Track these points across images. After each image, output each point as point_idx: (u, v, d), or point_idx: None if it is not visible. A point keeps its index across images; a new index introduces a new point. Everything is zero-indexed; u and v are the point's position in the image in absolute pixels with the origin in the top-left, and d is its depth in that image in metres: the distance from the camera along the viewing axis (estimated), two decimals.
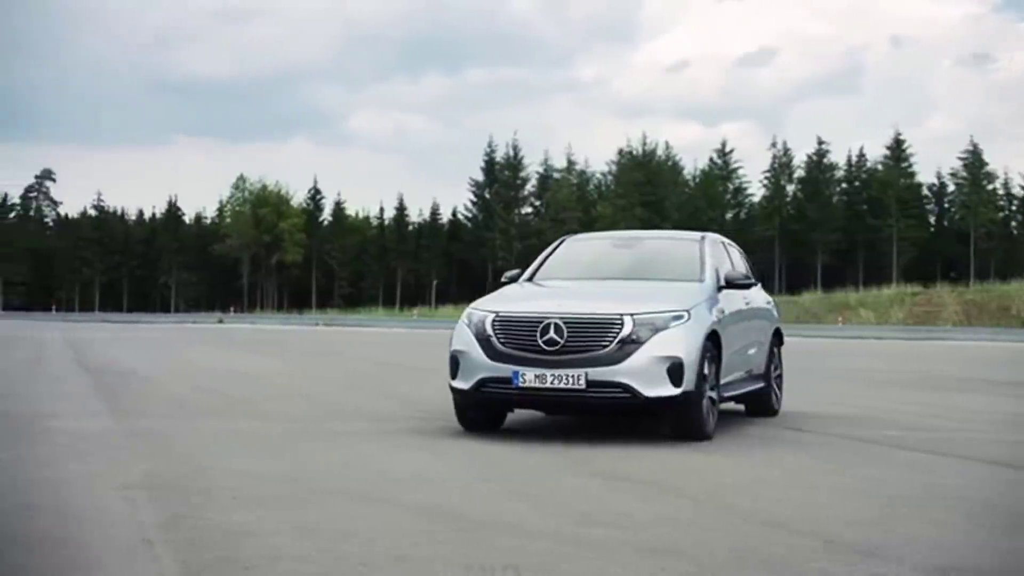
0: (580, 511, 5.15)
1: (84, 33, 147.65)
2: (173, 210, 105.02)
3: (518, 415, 9.05)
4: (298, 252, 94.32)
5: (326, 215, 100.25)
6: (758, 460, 7.16)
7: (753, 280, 9.41)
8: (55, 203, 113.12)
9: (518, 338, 7.69)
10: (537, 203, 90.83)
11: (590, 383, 7.46)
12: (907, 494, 5.80)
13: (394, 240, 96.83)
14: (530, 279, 9.06)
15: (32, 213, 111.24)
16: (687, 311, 7.78)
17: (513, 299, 8.27)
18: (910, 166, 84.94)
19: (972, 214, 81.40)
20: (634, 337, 7.53)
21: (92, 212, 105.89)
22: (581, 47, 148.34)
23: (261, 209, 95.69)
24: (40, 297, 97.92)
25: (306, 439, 7.84)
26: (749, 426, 9.10)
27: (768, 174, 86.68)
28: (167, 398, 11.11)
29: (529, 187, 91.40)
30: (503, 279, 9.20)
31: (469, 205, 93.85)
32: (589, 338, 7.56)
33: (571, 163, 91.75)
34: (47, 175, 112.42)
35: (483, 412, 8.24)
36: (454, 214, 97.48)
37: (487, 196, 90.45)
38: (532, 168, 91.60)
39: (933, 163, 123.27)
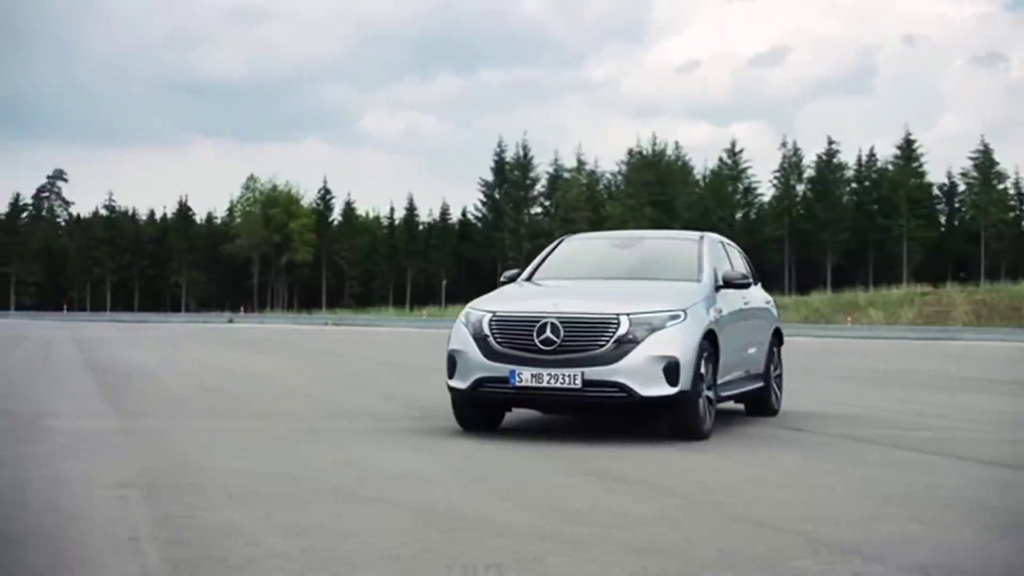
0: (569, 510, 5.17)
1: (97, 34, 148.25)
2: (184, 210, 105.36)
3: (517, 414, 9.09)
4: (308, 252, 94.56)
5: (336, 215, 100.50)
6: (753, 459, 7.16)
7: (751, 280, 9.42)
8: (67, 203, 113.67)
9: (515, 338, 7.71)
10: (547, 203, 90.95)
11: (586, 382, 7.48)
12: (899, 494, 5.79)
13: (404, 240, 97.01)
14: (529, 279, 9.09)
15: (44, 213, 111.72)
16: (683, 311, 7.80)
17: (510, 299, 8.30)
18: (920, 166, 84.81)
19: (983, 214, 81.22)
20: (630, 337, 7.54)
21: (104, 212, 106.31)
22: (593, 47, 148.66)
23: (271, 209, 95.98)
24: (52, 297, 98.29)
25: (304, 438, 7.87)
26: (748, 425, 9.11)
27: (778, 174, 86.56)
28: (170, 397, 11.16)
29: (539, 187, 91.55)
30: (502, 279, 9.24)
31: (479, 205, 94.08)
32: (585, 338, 7.58)
33: (581, 163, 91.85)
34: (59, 175, 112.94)
35: (480, 411, 8.27)
36: (464, 214, 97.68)
37: (497, 196, 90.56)
38: (542, 168, 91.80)
39: (945, 163, 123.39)
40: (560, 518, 4.95)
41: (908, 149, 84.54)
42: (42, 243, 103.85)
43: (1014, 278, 64.95)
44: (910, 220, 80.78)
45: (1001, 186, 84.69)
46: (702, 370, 7.82)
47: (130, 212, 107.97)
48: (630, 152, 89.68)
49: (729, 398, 8.97)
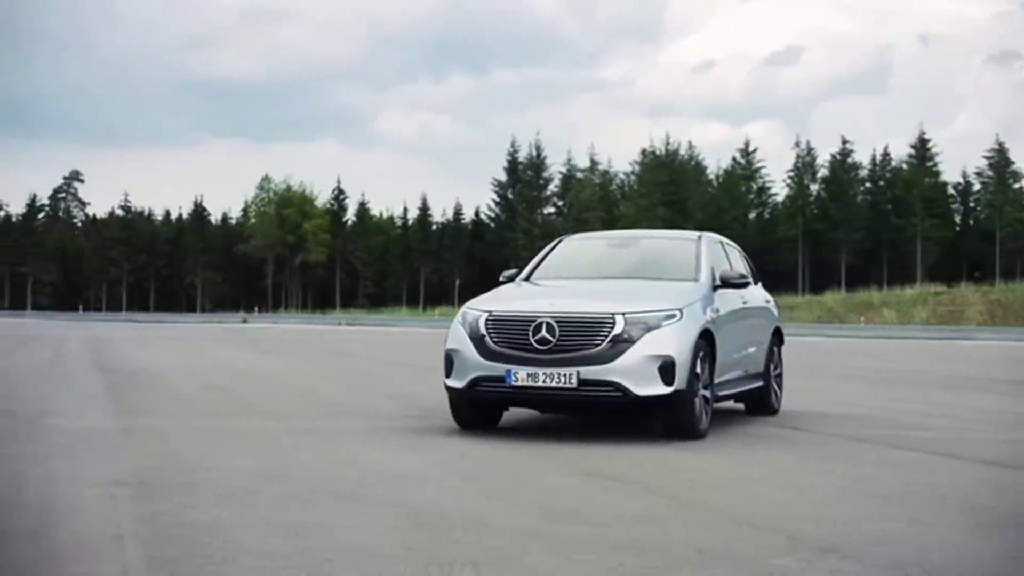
0: (557, 509, 5.19)
1: (112, 36, 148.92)
2: (199, 210, 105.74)
3: (515, 414, 9.11)
4: (322, 252, 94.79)
5: (350, 215, 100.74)
6: (748, 459, 7.17)
7: (749, 279, 9.42)
8: (83, 204, 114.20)
9: (511, 337, 7.74)
10: (560, 203, 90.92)
11: (582, 382, 7.50)
12: (892, 493, 5.80)
13: (417, 240, 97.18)
14: (527, 278, 9.12)
15: (61, 214, 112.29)
16: (679, 310, 7.81)
17: (507, 299, 8.32)
18: (935, 165, 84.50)
19: (997, 213, 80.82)
20: (626, 336, 7.56)
21: (119, 212, 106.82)
22: (607, 47, 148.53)
23: (285, 209, 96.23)
24: (68, 297, 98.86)
25: (301, 438, 7.90)
26: (746, 425, 9.11)
27: (791, 173, 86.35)
28: (174, 397, 11.21)
29: (552, 187, 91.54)
30: (501, 279, 9.27)
31: (492, 205, 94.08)
32: (581, 337, 7.60)
33: (594, 163, 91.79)
34: (75, 176, 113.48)
35: (477, 411, 8.30)
36: (477, 214, 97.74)
37: (510, 196, 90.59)
38: (555, 168, 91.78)
39: (960, 162, 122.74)
40: (547, 517, 4.98)
41: (922, 148, 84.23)
42: (58, 243, 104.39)
43: None
44: (924, 220, 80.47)
45: (1016, 185, 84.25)
46: (698, 369, 7.82)
47: (146, 213, 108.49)
48: (643, 152, 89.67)
49: (727, 397, 8.98)
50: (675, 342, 7.65)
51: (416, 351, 24.51)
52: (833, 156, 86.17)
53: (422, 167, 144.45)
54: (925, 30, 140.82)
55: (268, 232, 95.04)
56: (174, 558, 4.02)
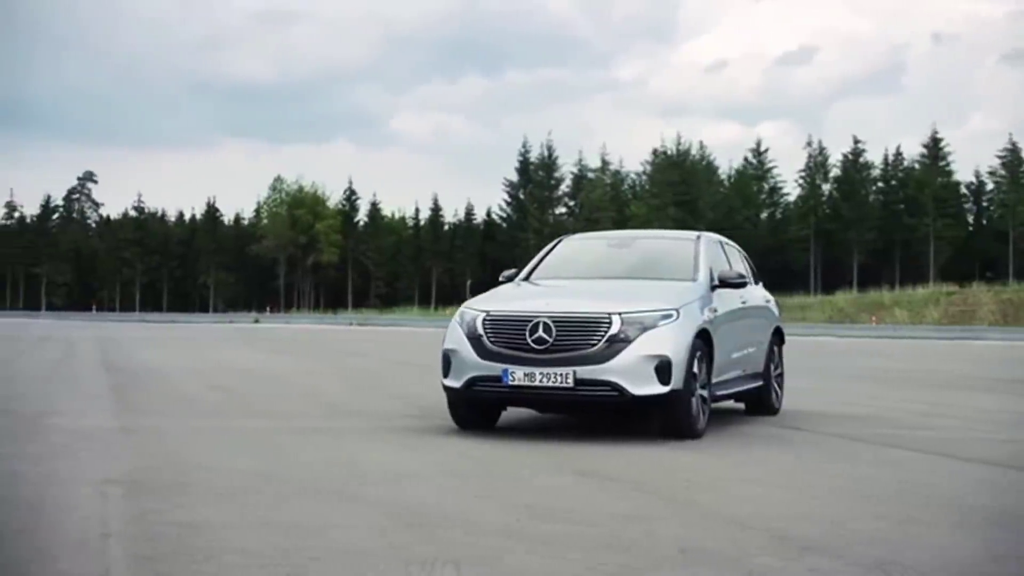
0: (546, 508, 5.21)
1: (127, 37, 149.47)
2: (212, 211, 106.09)
3: (515, 413, 9.14)
4: (334, 252, 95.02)
5: (362, 216, 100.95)
6: (744, 458, 7.18)
7: (748, 279, 9.41)
8: (97, 204, 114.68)
9: (508, 337, 7.76)
10: (571, 203, 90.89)
11: (578, 381, 7.52)
12: (882, 492, 5.81)
13: (429, 240, 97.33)
14: (527, 279, 9.15)
15: (75, 215, 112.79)
16: (676, 310, 7.82)
17: (504, 299, 8.35)
18: (947, 164, 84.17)
19: (1011, 213, 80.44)
20: (622, 336, 7.57)
21: (133, 213, 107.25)
22: (620, 47, 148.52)
23: (298, 210, 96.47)
24: (82, 298, 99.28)
25: (299, 437, 7.94)
26: (745, 424, 9.12)
27: (803, 173, 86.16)
28: (178, 397, 11.26)
29: (563, 187, 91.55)
30: (500, 278, 9.30)
31: (504, 205, 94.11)
32: (577, 337, 7.61)
33: (605, 163, 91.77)
34: (89, 177, 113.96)
35: (475, 410, 8.32)
36: (489, 214, 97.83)
37: (521, 196, 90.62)
38: (566, 168, 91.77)
39: (974, 161, 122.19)
40: (535, 516, 4.99)
41: (935, 148, 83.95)
42: (72, 244, 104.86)
43: None
44: (937, 219, 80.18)
45: None
46: (695, 369, 7.83)
47: (159, 213, 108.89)
48: (654, 152, 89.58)
49: (726, 397, 8.98)
50: (671, 342, 7.66)
51: (425, 351, 24.53)
52: (845, 156, 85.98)
53: (435, 167, 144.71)
54: (938, 29, 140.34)
55: (280, 233, 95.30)
56: (157, 556, 4.05)
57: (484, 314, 7.97)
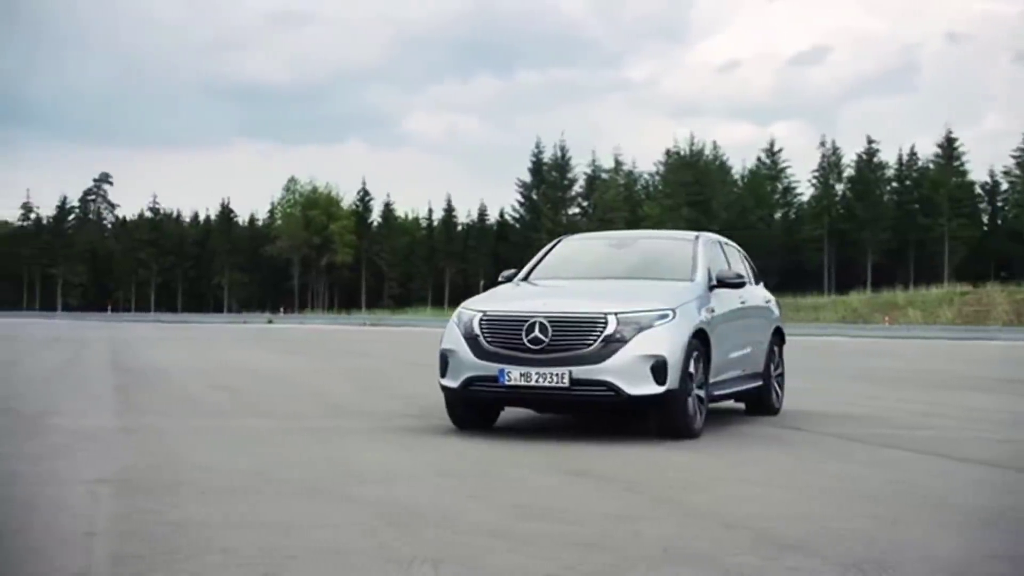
0: (534, 507, 5.22)
1: (142, 38, 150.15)
2: (226, 212, 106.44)
3: (515, 413, 9.17)
4: (348, 253, 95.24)
5: (376, 216, 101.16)
6: (738, 458, 7.18)
7: (746, 279, 9.40)
8: (112, 206, 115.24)
9: (504, 337, 7.78)
10: (584, 204, 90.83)
11: (574, 381, 7.53)
12: (872, 492, 5.80)
13: (442, 241, 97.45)
14: (525, 279, 9.18)
15: (91, 216, 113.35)
16: (672, 310, 7.82)
17: (502, 299, 8.37)
18: (962, 164, 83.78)
19: None
20: (618, 336, 7.59)
21: (148, 214, 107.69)
22: (632, 47, 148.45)
23: (311, 211, 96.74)
24: (97, 298, 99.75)
25: (296, 436, 7.98)
26: (743, 424, 9.12)
27: (817, 173, 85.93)
28: (181, 397, 11.31)
29: (576, 188, 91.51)
30: (500, 279, 9.33)
31: (517, 206, 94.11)
32: (573, 337, 7.63)
33: (618, 163, 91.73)
34: (105, 178, 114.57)
35: (472, 410, 8.34)
36: (502, 215, 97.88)
37: (534, 197, 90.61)
38: (579, 169, 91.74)
39: (988, 161, 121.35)
40: (522, 515, 5.01)
41: (949, 148, 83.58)
42: (88, 245, 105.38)
43: None
44: (951, 219, 79.84)
45: None
46: (691, 369, 7.84)
47: (174, 214, 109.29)
48: (667, 152, 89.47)
49: (724, 397, 8.99)
50: (667, 342, 7.67)
51: (434, 351, 24.43)
52: (859, 155, 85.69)
53: (448, 168, 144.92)
54: (952, 29, 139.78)
55: (294, 233, 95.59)
56: (139, 555, 4.08)
57: (481, 314, 8.00)
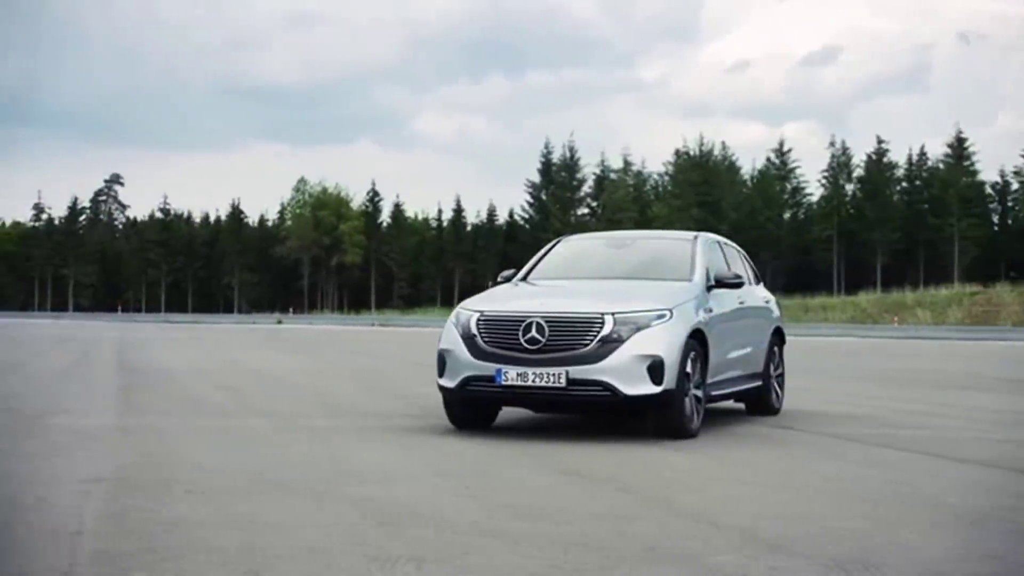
0: (523, 507, 5.23)
1: (153, 39, 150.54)
2: (236, 212, 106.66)
3: (514, 413, 9.19)
4: (357, 253, 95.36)
5: (385, 217, 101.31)
6: (733, 458, 7.18)
7: (744, 279, 9.39)
8: (123, 206, 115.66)
9: (501, 337, 7.80)
10: (593, 204, 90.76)
11: (571, 381, 7.54)
12: (863, 492, 5.80)
13: (451, 241, 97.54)
14: (524, 279, 9.20)
15: (101, 216, 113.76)
16: (669, 310, 7.83)
17: (499, 299, 8.39)
18: (972, 164, 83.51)
19: None
20: (615, 336, 7.59)
21: (158, 215, 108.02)
22: (643, 48, 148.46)
23: (321, 211, 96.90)
24: (108, 299, 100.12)
25: (291, 436, 8.00)
26: (742, 424, 9.12)
27: (826, 173, 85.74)
28: (183, 397, 11.33)
29: (586, 188, 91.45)
30: (499, 279, 9.35)
31: (526, 206, 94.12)
32: (570, 337, 7.64)
33: (627, 164, 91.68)
34: (115, 179, 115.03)
35: (470, 410, 8.36)
36: (511, 215, 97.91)
37: (543, 197, 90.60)
38: (589, 169, 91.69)
39: (1001, 161, 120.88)
40: (510, 515, 5.03)
41: (959, 147, 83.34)
42: (99, 246, 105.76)
43: None
44: (961, 219, 79.57)
45: None
46: (688, 369, 7.84)
47: (184, 215, 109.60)
48: (677, 153, 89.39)
49: (722, 397, 8.98)
50: (664, 342, 7.67)
51: None
52: (868, 156, 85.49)
53: (458, 168, 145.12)
54: (965, 28, 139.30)
55: (304, 234, 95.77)
56: (123, 553, 4.10)
57: (478, 314, 8.01)
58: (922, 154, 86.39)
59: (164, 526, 4.61)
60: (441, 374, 8.16)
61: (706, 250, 9.14)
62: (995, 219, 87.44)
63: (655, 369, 7.57)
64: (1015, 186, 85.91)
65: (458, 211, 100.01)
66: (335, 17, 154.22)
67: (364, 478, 6.07)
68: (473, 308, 8.16)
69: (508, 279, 9.24)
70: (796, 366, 18.04)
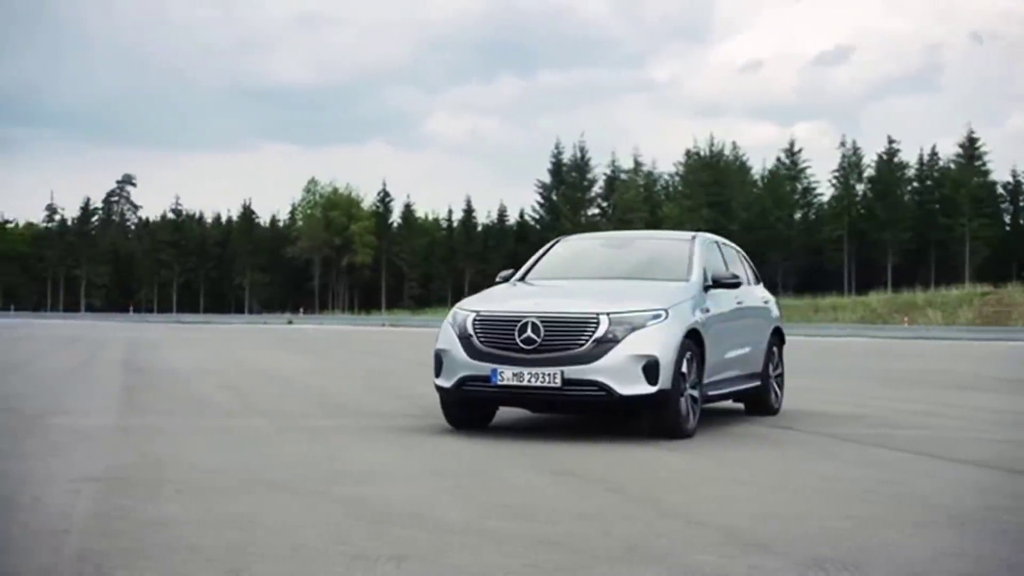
0: (510, 506, 5.25)
1: (165, 40, 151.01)
2: (248, 213, 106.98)
3: (512, 413, 9.22)
4: (368, 254, 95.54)
5: (396, 217, 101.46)
6: (726, 458, 7.18)
7: (742, 280, 9.39)
8: (135, 207, 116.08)
9: (497, 337, 7.82)
10: (604, 204, 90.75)
11: (566, 381, 7.56)
12: (853, 491, 5.80)
13: (462, 241, 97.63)
14: (522, 279, 9.23)
15: (114, 217, 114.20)
16: (665, 310, 7.84)
17: (496, 299, 8.41)
18: (984, 164, 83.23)
19: None
20: (610, 336, 7.61)
21: (170, 216, 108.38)
22: (655, 48, 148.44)
23: (332, 212, 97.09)
24: (120, 299, 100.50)
25: (288, 435, 8.03)
26: (739, 424, 9.13)
27: (837, 173, 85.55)
28: (186, 397, 11.37)
29: (596, 188, 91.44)
30: (497, 279, 9.38)
31: (536, 207, 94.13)
32: (565, 337, 7.66)
33: (638, 164, 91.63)
34: (128, 180, 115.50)
35: (467, 410, 8.39)
36: (521, 215, 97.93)
37: (554, 198, 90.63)
38: (599, 170, 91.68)
39: (1014, 161, 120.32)
40: (498, 514, 5.04)
41: (971, 147, 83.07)
42: (111, 246, 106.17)
43: None
44: (973, 219, 79.30)
45: None
46: (684, 369, 7.85)
47: (196, 215, 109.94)
48: (687, 153, 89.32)
49: (719, 397, 8.99)
50: (659, 342, 7.68)
51: None
52: (879, 156, 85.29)
53: (469, 168, 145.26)
54: (977, 27, 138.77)
55: (315, 234, 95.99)
56: (106, 552, 4.13)
57: (475, 314, 8.04)
58: (933, 154, 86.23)
59: (151, 525, 4.64)
60: (438, 374, 8.19)
61: (703, 250, 9.15)
62: (1007, 219, 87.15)
63: (650, 369, 7.58)
64: None
65: (468, 211, 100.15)
66: (346, 18, 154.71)
67: (358, 478, 6.09)
68: (469, 308, 8.19)
69: (506, 279, 9.28)
70: (804, 366, 18.08)
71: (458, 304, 8.49)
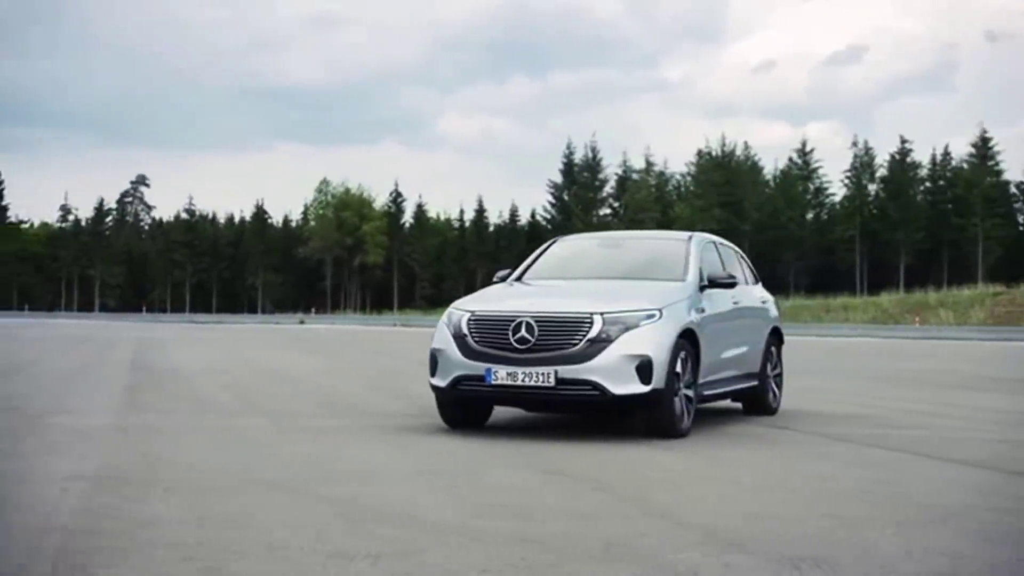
0: (495, 505, 5.27)
1: (179, 41, 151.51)
2: (260, 213, 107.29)
3: (509, 413, 9.24)
4: (380, 254, 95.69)
5: (408, 217, 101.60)
6: (720, 458, 7.19)
7: (738, 280, 9.40)
8: (149, 207, 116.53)
9: (491, 337, 7.85)
10: (615, 204, 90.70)
11: (560, 381, 7.58)
12: (842, 491, 5.81)
13: (474, 242, 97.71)
14: (518, 279, 9.25)
15: (127, 217, 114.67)
16: (659, 310, 7.85)
17: (491, 299, 8.44)
18: (996, 164, 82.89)
19: None
20: (603, 335, 7.63)
21: (184, 216, 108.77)
22: (667, 48, 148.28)
23: (344, 212, 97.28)
24: (134, 299, 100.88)
25: (289, 435, 8.07)
26: (736, 424, 9.13)
27: (849, 173, 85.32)
28: (189, 397, 11.41)
29: (608, 188, 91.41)
30: (494, 279, 9.41)
31: (548, 207, 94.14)
32: (559, 336, 7.68)
33: (650, 164, 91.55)
34: (141, 180, 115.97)
35: (462, 409, 8.42)
36: (533, 216, 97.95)
37: (565, 198, 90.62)
38: (611, 170, 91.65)
39: None
40: (482, 513, 5.06)
41: (984, 147, 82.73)
42: (125, 246, 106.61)
43: None
44: (985, 219, 79.00)
45: None
46: (678, 369, 7.86)
47: (209, 216, 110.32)
48: (699, 153, 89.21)
49: (715, 397, 9.00)
50: (653, 342, 7.69)
51: None
52: (892, 155, 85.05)
53: (481, 169, 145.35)
54: (992, 27, 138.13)
55: (326, 234, 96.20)
56: (87, 550, 4.16)
57: (469, 314, 8.07)
58: (946, 154, 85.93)
59: (135, 524, 4.67)
60: (433, 373, 8.23)
61: (700, 250, 9.15)
62: (1020, 219, 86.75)
63: (644, 369, 7.60)
64: None
65: (480, 211, 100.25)
66: (358, 18, 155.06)
67: (351, 477, 6.11)
68: (464, 308, 8.21)
69: (504, 279, 9.31)
70: (812, 366, 18.07)
71: (453, 304, 8.52)
